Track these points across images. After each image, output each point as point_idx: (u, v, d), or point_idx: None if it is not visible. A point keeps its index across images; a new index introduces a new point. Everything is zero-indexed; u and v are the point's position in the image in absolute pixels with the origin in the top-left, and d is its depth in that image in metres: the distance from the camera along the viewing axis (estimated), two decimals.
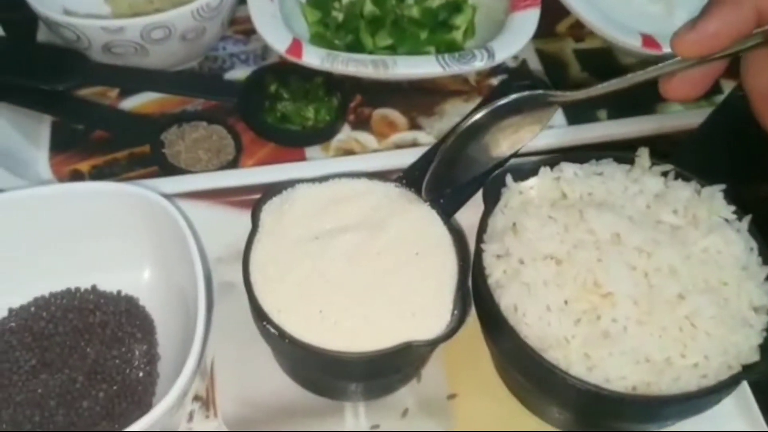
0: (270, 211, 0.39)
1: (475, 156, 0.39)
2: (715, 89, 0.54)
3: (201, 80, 0.53)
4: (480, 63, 0.47)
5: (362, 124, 0.52)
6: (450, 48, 0.53)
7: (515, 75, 0.53)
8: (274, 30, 0.48)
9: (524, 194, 0.39)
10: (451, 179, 0.40)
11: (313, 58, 0.47)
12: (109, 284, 0.42)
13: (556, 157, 0.41)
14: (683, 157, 0.41)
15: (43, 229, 0.41)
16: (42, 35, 0.55)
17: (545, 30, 0.52)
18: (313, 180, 0.41)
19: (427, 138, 0.51)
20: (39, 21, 0.55)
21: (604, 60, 0.56)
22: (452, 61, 0.47)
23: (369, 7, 0.53)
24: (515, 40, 0.49)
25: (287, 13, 0.51)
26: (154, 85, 0.50)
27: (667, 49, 0.49)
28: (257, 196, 0.42)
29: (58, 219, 0.41)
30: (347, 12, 0.54)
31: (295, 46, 0.47)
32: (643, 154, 0.40)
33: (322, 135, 0.50)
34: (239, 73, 0.54)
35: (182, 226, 0.38)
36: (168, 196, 0.41)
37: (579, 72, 0.55)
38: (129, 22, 0.47)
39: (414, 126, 0.52)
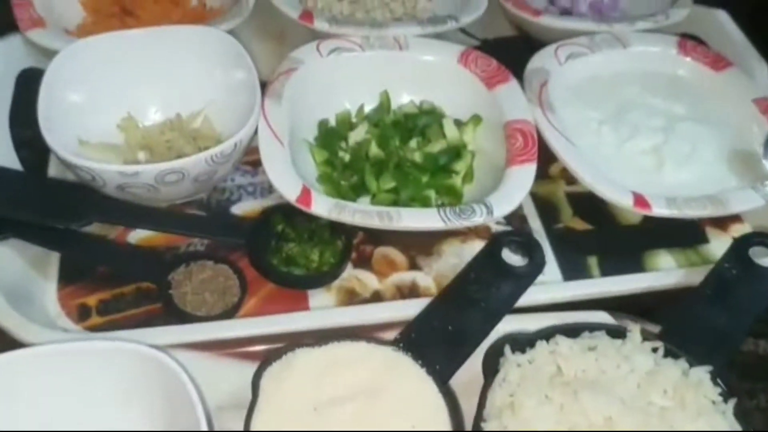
0: (270, 377, 0.41)
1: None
2: (701, 238, 0.57)
3: (211, 222, 0.54)
4: (479, 218, 0.49)
5: (363, 262, 0.53)
6: (449, 192, 0.55)
7: (509, 218, 0.55)
8: (285, 178, 0.50)
9: (522, 367, 0.41)
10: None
11: (322, 208, 0.49)
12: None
13: (551, 329, 0.43)
14: (674, 324, 0.44)
15: (42, 387, 0.42)
16: (53, 167, 0.57)
17: (538, 172, 0.54)
18: (312, 345, 0.43)
19: (425, 279, 0.53)
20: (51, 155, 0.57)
21: (593, 204, 0.58)
22: (453, 216, 0.49)
23: (374, 150, 0.56)
24: (512, 195, 0.51)
25: (296, 153, 0.54)
26: (167, 227, 0.52)
27: (657, 210, 0.52)
28: (258, 348, 0.44)
29: (59, 378, 0.42)
30: (353, 153, 0.56)
31: (305, 196, 0.49)
32: (635, 330, 0.42)
33: (325, 278, 0.51)
34: (246, 205, 0.56)
35: (185, 382, 0.39)
36: (171, 346, 0.43)
37: (570, 216, 0.58)
38: (144, 168, 0.48)
39: (413, 266, 0.54)
